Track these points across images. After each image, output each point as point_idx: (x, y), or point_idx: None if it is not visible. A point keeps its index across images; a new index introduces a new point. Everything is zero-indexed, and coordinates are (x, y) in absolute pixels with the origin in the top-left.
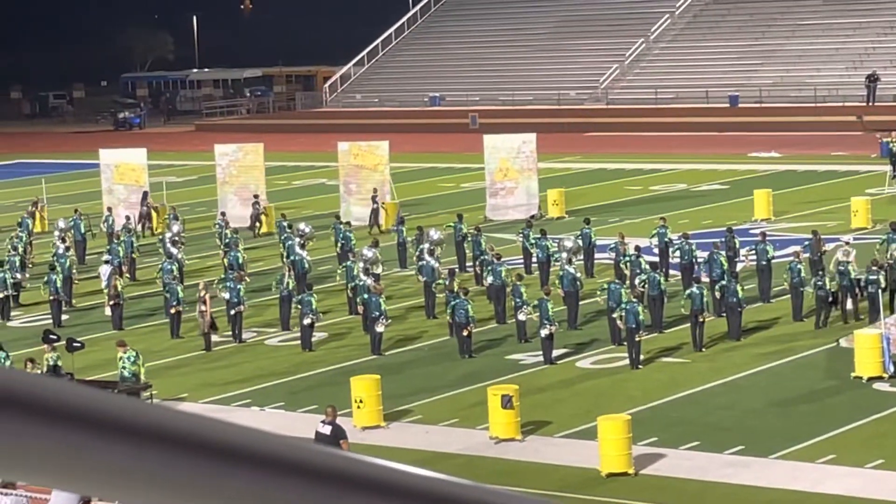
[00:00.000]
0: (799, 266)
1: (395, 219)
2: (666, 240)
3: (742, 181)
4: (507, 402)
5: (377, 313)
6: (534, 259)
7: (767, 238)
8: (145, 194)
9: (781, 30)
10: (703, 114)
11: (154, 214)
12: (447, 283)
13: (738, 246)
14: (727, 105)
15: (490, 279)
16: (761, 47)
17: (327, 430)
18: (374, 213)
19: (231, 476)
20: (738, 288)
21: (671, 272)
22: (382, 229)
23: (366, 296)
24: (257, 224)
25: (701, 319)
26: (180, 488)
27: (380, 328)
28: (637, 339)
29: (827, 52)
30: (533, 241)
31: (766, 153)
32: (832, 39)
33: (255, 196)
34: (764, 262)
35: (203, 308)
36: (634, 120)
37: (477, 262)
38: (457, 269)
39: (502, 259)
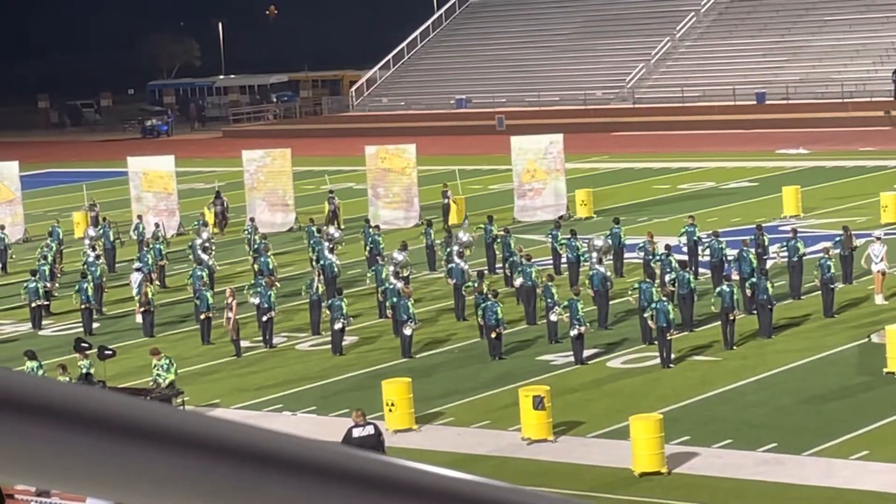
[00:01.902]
0: (829, 263)
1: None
2: (695, 238)
3: (770, 178)
4: (538, 403)
5: (405, 317)
6: (563, 259)
7: (798, 234)
8: (218, 193)
9: (807, 26)
10: (729, 111)
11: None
12: (476, 285)
13: (767, 243)
14: (754, 102)
15: (520, 280)
16: (787, 44)
17: (370, 430)
18: (446, 208)
19: (234, 477)
20: (769, 285)
21: (701, 270)
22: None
23: (395, 299)
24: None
25: (731, 317)
26: (185, 490)
27: (407, 331)
28: (668, 337)
29: (853, 48)
30: (563, 242)
31: (793, 150)
32: (858, 35)
33: (331, 192)
34: (795, 259)
35: (230, 314)
36: (661, 119)
37: (506, 264)
38: (486, 271)
39: (532, 260)
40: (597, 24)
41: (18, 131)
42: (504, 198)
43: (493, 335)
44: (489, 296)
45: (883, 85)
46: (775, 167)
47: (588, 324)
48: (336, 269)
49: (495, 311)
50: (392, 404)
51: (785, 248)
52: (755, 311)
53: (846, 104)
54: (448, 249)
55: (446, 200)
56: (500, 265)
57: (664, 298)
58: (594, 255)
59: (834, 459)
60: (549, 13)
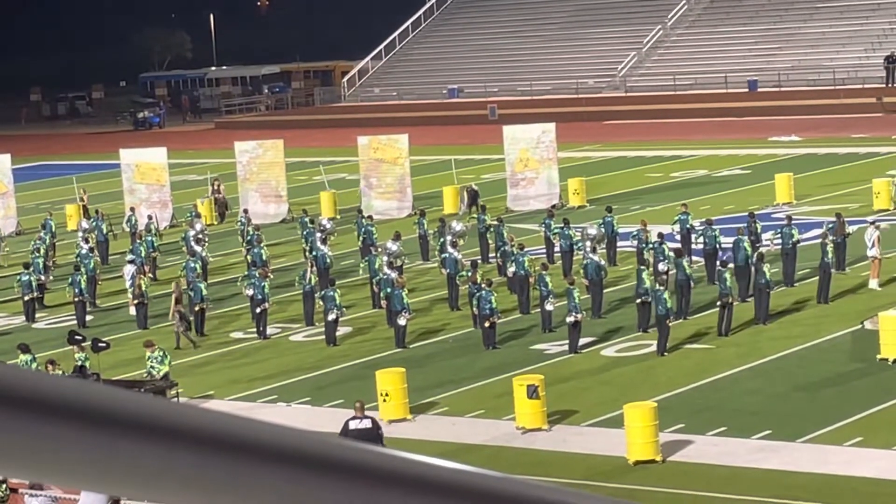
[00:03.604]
0: (829, 248)
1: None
2: (688, 226)
3: (763, 165)
4: (532, 392)
5: (400, 307)
6: (556, 248)
7: (793, 222)
8: (216, 180)
9: (799, 13)
10: (722, 99)
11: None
12: (470, 274)
13: (759, 230)
14: (746, 90)
15: (512, 269)
16: (779, 31)
17: (367, 423)
18: (473, 195)
19: (234, 472)
20: (766, 269)
21: (695, 258)
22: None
23: (389, 289)
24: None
25: (726, 303)
26: (188, 486)
27: (402, 321)
28: (669, 323)
29: (845, 34)
30: (556, 231)
31: (786, 137)
32: (850, 21)
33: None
34: (789, 246)
35: (177, 307)
36: (653, 107)
37: (498, 253)
38: (479, 261)
39: (525, 249)
40: (588, 12)
41: (10, 124)
42: (497, 187)
43: (487, 324)
44: (483, 285)
45: (875, 71)
46: (768, 154)
47: (583, 312)
48: (328, 261)
49: (489, 301)
50: (386, 394)
51: (779, 235)
52: (751, 297)
53: (838, 91)
54: (441, 239)
55: (471, 190)
56: (493, 255)
57: (660, 287)
58: (587, 244)
59: (828, 446)
60: (540, 2)
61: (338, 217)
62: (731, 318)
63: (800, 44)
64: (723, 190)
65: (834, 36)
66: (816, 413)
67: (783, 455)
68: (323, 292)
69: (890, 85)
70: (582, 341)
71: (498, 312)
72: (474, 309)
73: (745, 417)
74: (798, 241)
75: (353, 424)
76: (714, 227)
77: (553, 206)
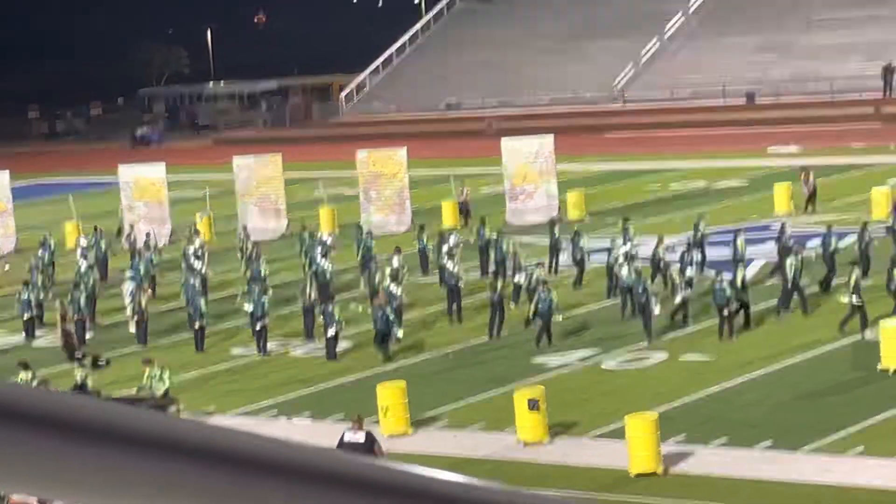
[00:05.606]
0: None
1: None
2: (700, 235)
3: (762, 176)
4: (533, 405)
5: (389, 324)
6: (561, 258)
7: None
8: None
9: (796, 24)
10: (720, 110)
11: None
12: (491, 283)
13: (789, 240)
14: (744, 101)
15: (518, 278)
16: (777, 42)
17: (361, 436)
18: (463, 206)
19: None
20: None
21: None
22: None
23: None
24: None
25: (726, 313)
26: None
27: (399, 334)
28: (725, 313)
29: (843, 45)
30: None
31: (784, 148)
32: (848, 32)
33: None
34: (828, 255)
35: (64, 326)
36: (651, 119)
37: (517, 272)
38: (485, 273)
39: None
40: (585, 25)
41: (9, 142)
42: (496, 201)
43: (542, 323)
44: (499, 289)
45: (872, 81)
46: (767, 165)
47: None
48: (328, 275)
49: (549, 301)
50: (387, 409)
51: (820, 247)
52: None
53: (836, 102)
54: (441, 253)
55: (462, 198)
56: (493, 269)
57: (718, 279)
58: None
59: (830, 456)
60: (537, 16)
61: (337, 232)
62: (731, 325)
63: (797, 54)
64: (722, 201)
65: (831, 47)
66: (818, 423)
67: (785, 465)
68: (323, 307)
69: (887, 95)
70: (583, 353)
71: (560, 309)
72: (531, 309)
73: (746, 428)
74: (836, 250)
75: (347, 437)
76: (742, 236)
77: (552, 220)
